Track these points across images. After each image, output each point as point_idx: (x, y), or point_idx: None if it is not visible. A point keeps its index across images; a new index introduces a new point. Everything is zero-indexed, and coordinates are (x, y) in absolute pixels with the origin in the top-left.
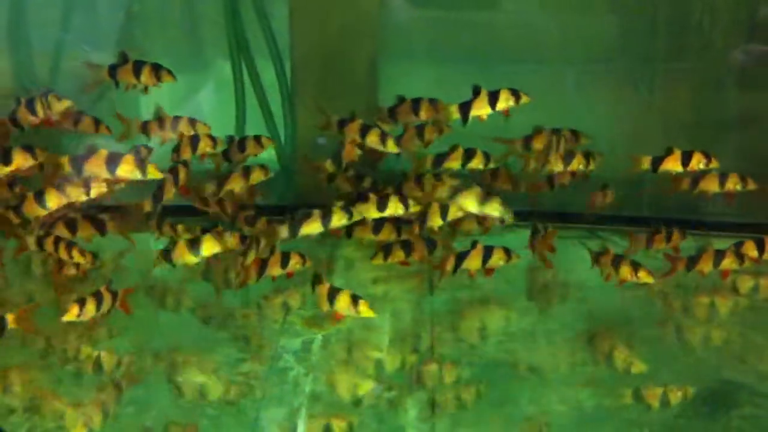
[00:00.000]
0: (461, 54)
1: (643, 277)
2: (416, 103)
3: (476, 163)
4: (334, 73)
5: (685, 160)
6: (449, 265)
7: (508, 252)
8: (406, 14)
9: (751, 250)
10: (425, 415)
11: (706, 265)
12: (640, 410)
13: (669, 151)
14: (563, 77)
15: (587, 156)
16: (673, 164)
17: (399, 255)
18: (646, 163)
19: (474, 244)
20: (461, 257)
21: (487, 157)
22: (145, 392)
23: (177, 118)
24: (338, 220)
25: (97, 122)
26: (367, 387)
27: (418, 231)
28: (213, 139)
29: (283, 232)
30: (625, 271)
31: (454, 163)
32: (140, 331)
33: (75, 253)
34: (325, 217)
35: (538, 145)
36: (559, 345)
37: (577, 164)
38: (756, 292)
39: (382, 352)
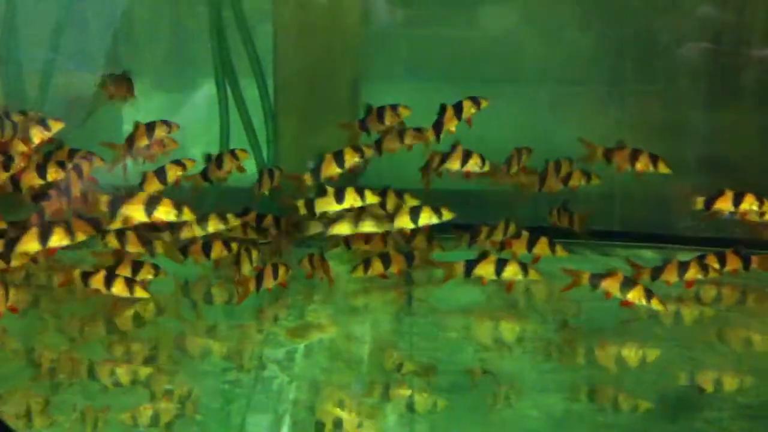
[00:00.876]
0: (443, 73)
1: (655, 304)
2: (380, 111)
3: (473, 165)
4: (317, 92)
5: (737, 200)
6: (458, 270)
7: (524, 266)
8: (389, 34)
9: (713, 263)
10: (404, 421)
11: (670, 276)
12: (608, 414)
13: (720, 192)
14: (539, 96)
15: (587, 176)
16: (724, 204)
17: (378, 268)
18: (700, 203)
19: (486, 254)
20: (471, 264)
21: (482, 160)
22: (134, 400)
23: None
24: (350, 200)
25: (90, 156)
26: (346, 393)
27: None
28: (181, 164)
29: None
30: (636, 294)
31: (454, 164)
32: (124, 341)
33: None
34: (339, 195)
35: (618, 159)
36: (533, 353)
37: (552, 184)
38: (718, 301)
39: (363, 362)
